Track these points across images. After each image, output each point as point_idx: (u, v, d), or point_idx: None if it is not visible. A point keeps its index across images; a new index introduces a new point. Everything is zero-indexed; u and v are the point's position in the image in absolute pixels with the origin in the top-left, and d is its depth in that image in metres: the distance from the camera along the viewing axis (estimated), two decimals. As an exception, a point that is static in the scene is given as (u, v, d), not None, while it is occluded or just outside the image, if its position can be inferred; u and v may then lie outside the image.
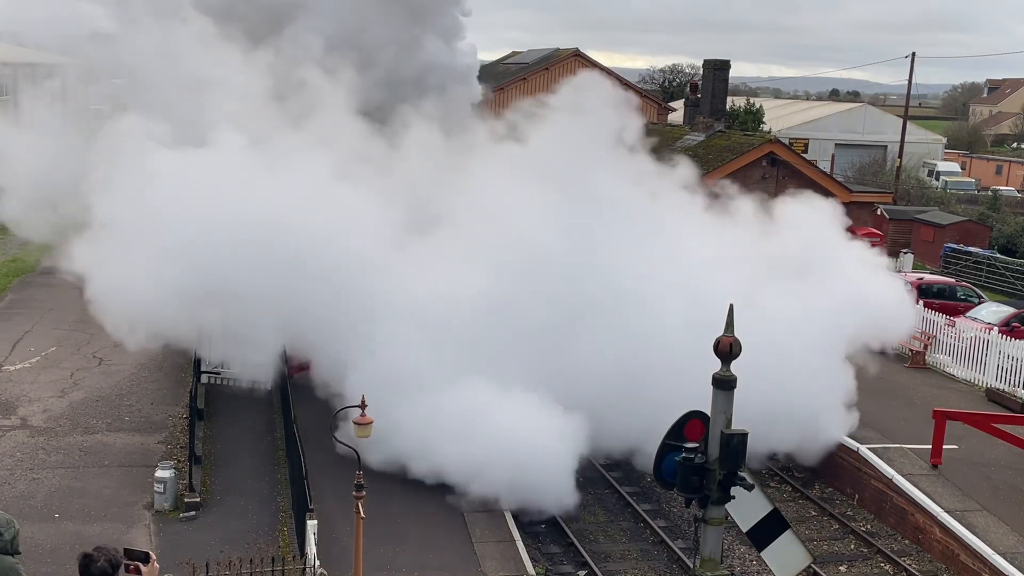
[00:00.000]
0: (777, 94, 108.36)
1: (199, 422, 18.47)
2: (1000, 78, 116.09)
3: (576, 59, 49.24)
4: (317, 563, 12.82)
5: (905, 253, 38.57)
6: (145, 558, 6.14)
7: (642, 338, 18.08)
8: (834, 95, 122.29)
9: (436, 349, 17.31)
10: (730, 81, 41.41)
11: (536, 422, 16.78)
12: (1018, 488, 18.17)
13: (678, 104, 60.70)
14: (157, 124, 19.52)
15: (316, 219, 18.04)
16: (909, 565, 16.72)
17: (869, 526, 18.47)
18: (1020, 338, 24.19)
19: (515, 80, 49.60)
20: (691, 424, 9.11)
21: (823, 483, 20.27)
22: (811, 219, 21.14)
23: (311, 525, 13.43)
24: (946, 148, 73.75)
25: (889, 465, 18.60)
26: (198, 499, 16.00)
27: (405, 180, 20.21)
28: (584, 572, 16.06)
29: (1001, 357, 23.52)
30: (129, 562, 6.12)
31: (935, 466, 18.64)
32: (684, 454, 8.97)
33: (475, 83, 27.33)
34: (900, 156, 53.11)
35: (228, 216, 17.65)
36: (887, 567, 16.91)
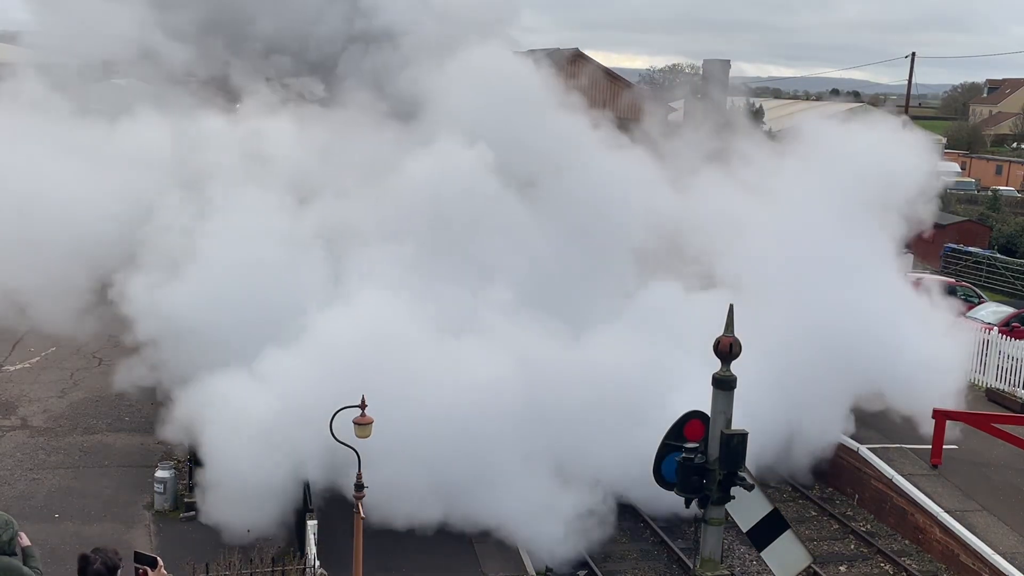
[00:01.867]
0: (777, 94, 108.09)
1: (199, 422, 18.45)
2: (1000, 78, 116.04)
3: (576, 59, 49.12)
4: (317, 563, 12.81)
5: (905, 253, 38.50)
6: (153, 563, 6.23)
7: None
8: (834, 95, 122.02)
9: None
10: (729, 81, 41.40)
11: None
12: (1018, 488, 18.17)
13: (678, 104, 60.63)
14: None
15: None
16: (909, 565, 16.72)
17: (869, 526, 18.47)
18: (1020, 338, 24.21)
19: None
20: (691, 424, 9.12)
21: (823, 483, 20.27)
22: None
23: (311, 525, 13.42)
24: (946, 148, 73.71)
25: (889, 465, 18.61)
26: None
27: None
28: (584, 572, 16.04)
29: (1001, 357, 23.54)
30: (138, 565, 6.18)
31: (935, 466, 18.65)
32: (684, 454, 8.98)
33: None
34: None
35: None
36: (887, 567, 16.91)
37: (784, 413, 18.27)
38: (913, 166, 20.34)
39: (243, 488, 14.56)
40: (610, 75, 49.28)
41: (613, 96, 42.81)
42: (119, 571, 6.34)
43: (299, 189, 18.23)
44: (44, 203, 17.56)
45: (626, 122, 23.04)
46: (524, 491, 15.79)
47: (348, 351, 15.01)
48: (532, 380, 16.09)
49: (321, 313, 15.90)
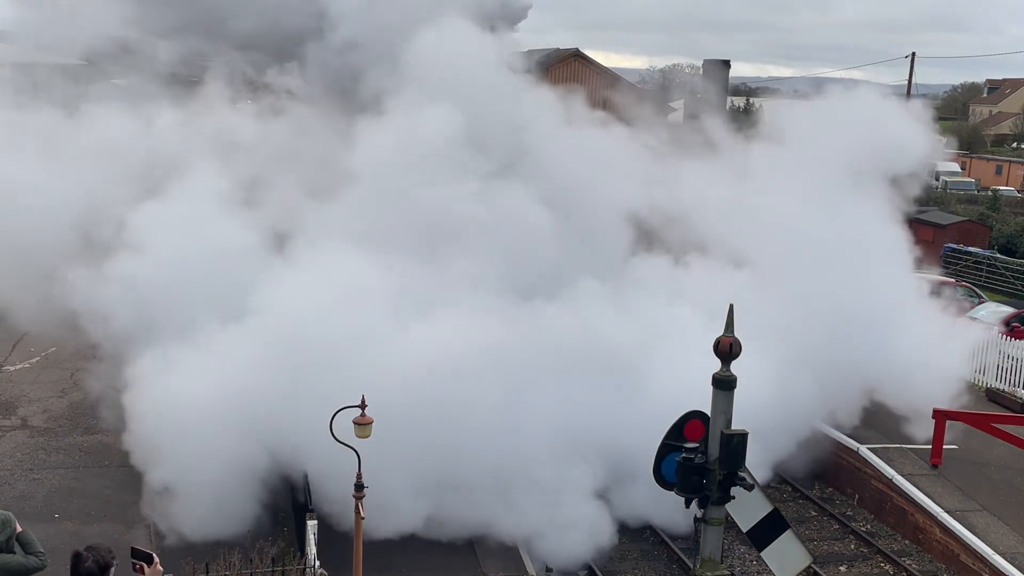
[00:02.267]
0: (776, 94, 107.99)
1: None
2: (1000, 78, 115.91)
3: (576, 59, 49.11)
4: (317, 563, 12.80)
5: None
6: (149, 559, 6.27)
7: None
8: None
9: None
10: (729, 81, 41.41)
11: None
12: (1018, 488, 18.16)
13: (678, 104, 60.63)
14: None
15: None
16: (909, 565, 16.72)
17: (869, 526, 18.47)
18: (1020, 338, 24.19)
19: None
20: (691, 424, 9.12)
21: (823, 483, 20.26)
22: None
23: (311, 525, 13.41)
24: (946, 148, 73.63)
25: (889, 465, 18.60)
26: (198, 499, 15.96)
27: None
28: (584, 572, 16.04)
29: (1001, 357, 23.53)
30: (135, 561, 6.24)
31: (935, 466, 18.64)
32: (684, 454, 8.98)
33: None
34: (900, 156, 52.96)
35: None
36: (887, 567, 16.91)
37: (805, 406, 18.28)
38: (909, 135, 20.16)
39: (194, 482, 14.20)
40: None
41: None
42: (112, 570, 6.37)
43: (257, 179, 18.26)
44: (11, 198, 17.67)
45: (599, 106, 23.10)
46: (525, 484, 15.55)
47: (297, 325, 14.56)
48: (506, 356, 15.68)
49: (270, 290, 15.51)
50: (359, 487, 11.64)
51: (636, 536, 17.49)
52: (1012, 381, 23.09)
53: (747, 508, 9.39)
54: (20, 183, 17.82)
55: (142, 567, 6.25)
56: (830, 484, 20.15)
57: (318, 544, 13.22)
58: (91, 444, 17.90)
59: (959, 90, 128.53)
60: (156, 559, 6.34)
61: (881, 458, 18.87)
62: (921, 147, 20.26)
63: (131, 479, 16.53)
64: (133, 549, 6.37)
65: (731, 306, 9.08)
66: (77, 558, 6.33)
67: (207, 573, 12.15)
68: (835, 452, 19.80)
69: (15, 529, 7.34)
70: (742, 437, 8.91)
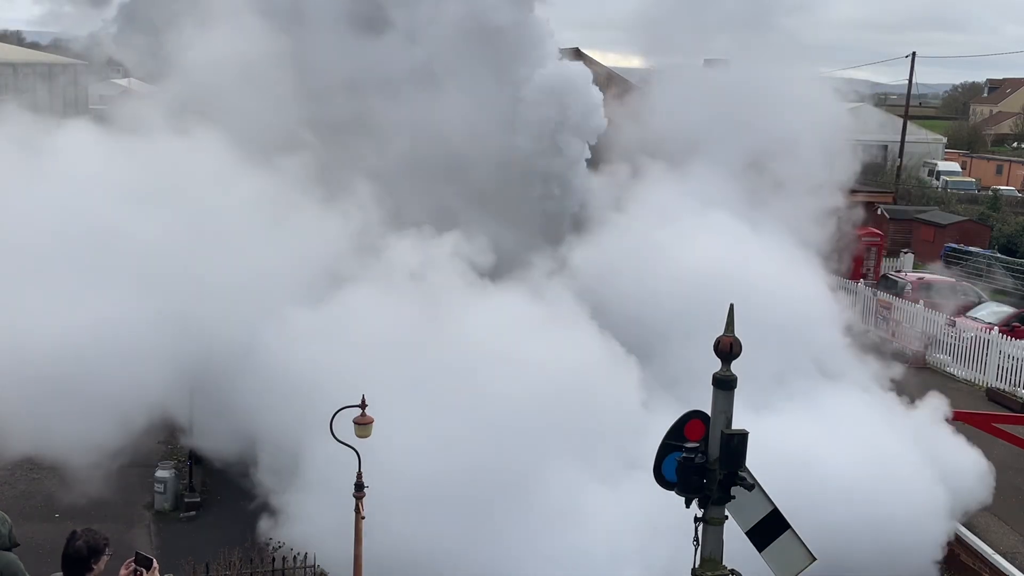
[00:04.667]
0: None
1: (199, 422, 18.40)
2: (1000, 78, 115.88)
3: (576, 59, 48.75)
4: (317, 563, 12.81)
5: (905, 253, 38.59)
6: (148, 564, 6.29)
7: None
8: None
9: None
10: (729, 81, 41.35)
11: None
12: (1018, 488, 18.16)
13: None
14: None
15: None
16: (909, 565, 16.70)
17: (869, 526, 18.45)
18: (1020, 338, 24.21)
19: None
20: (691, 424, 9.10)
21: (823, 483, 20.21)
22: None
23: (311, 525, 13.41)
24: (946, 148, 73.68)
25: (889, 465, 18.56)
26: (198, 499, 16.02)
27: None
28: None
29: (1001, 357, 23.54)
30: (137, 567, 6.26)
31: (935, 466, 18.62)
32: (684, 454, 8.97)
33: None
34: (900, 156, 53.07)
35: None
36: (887, 567, 16.90)
37: None
38: None
39: None
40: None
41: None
42: (103, 557, 6.39)
43: None
44: None
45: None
46: None
47: None
48: None
49: None
50: (359, 487, 11.63)
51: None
52: (1012, 381, 23.10)
53: (747, 508, 9.37)
54: None
55: (141, 573, 6.26)
56: (830, 484, 20.09)
57: (318, 544, 13.21)
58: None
59: (959, 90, 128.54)
60: (155, 564, 6.36)
61: (881, 458, 18.83)
62: None
63: (131, 479, 16.55)
64: (137, 554, 6.39)
65: (731, 306, 9.06)
66: (72, 536, 6.40)
67: (207, 573, 12.16)
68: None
69: (11, 524, 7.36)
70: (742, 437, 8.90)
